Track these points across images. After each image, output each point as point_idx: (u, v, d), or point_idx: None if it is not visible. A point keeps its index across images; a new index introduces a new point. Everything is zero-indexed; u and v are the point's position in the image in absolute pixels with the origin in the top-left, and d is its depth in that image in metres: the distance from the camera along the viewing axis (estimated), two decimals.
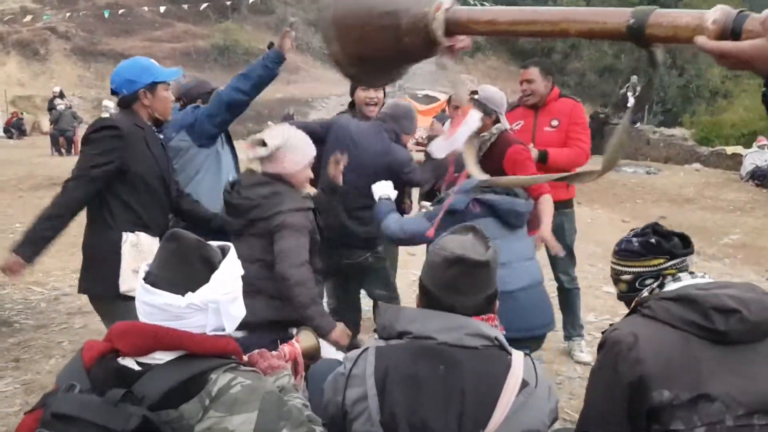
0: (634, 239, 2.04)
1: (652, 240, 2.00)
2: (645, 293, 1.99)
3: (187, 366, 1.48)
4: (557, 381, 4.08)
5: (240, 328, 2.89)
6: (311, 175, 3.05)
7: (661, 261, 1.99)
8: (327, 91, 28.79)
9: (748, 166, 14.67)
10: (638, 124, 19.40)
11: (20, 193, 11.93)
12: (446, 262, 1.81)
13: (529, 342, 3.20)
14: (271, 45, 3.53)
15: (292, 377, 1.93)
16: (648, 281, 2.01)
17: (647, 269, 2.01)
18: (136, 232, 2.90)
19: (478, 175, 1.59)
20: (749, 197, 13.30)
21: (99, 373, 1.48)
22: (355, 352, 1.83)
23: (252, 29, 32.22)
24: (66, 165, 13.78)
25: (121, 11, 28.17)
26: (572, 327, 4.51)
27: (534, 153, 3.98)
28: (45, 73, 28.22)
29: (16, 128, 22.71)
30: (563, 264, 4.41)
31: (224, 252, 1.65)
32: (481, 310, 1.84)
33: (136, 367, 1.49)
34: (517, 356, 1.80)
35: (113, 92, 3.00)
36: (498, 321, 1.91)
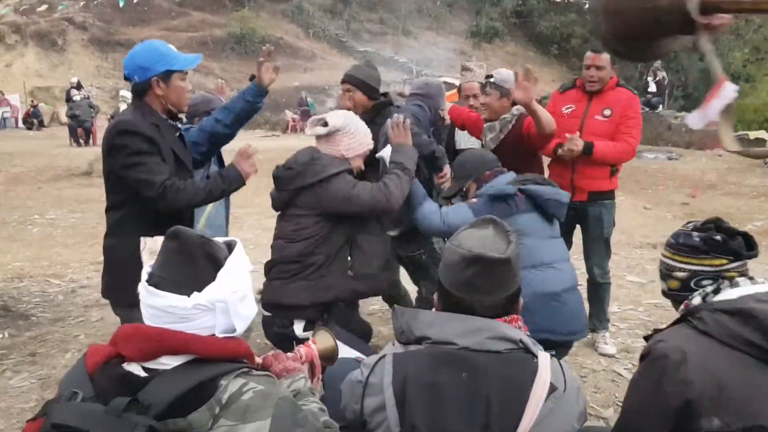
0: (695, 234, 1.84)
1: (717, 237, 1.80)
2: (697, 298, 1.81)
3: (196, 371, 1.39)
4: (582, 374, 3.98)
5: (279, 309, 3.02)
6: (362, 166, 3.07)
7: (723, 262, 1.80)
8: (339, 78, 28.67)
9: None
10: (660, 109, 19.12)
11: (39, 185, 12.00)
12: (464, 261, 1.68)
13: (563, 348, 3.12)
14: (252, 78, 3.25)
15: (309, 380, 1.84)
16: (704, 282, 1.82)
17: (706, 268, 1.81)
18: (155, 237, 2.65)
19: (730, 146, 1.62)
20: None
21: (103, 379, 1.41)
22: (372, 359, 1.73)
23: (268, 17, 32.12)
24: (85, 155, 13.93)
25: (136, 0, 28.16)
26: (598, 320, 4.38)
27: (579, 143, 3.88)
28: (63, 63, 28.33)
29: (35, 118, 22.88)
30: (598, 257, 4.29)
31: (230, 248, 1.56)
32: (503, 310, 1.72)
33: (142, 373, 1.41)
34: (544, 359, 1.68)
35: (126, 78, 2.80)
36: (522, 321, 1.79)
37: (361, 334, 2.95)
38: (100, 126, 18.78)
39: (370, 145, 3.03)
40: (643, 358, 1.74)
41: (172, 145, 2.80)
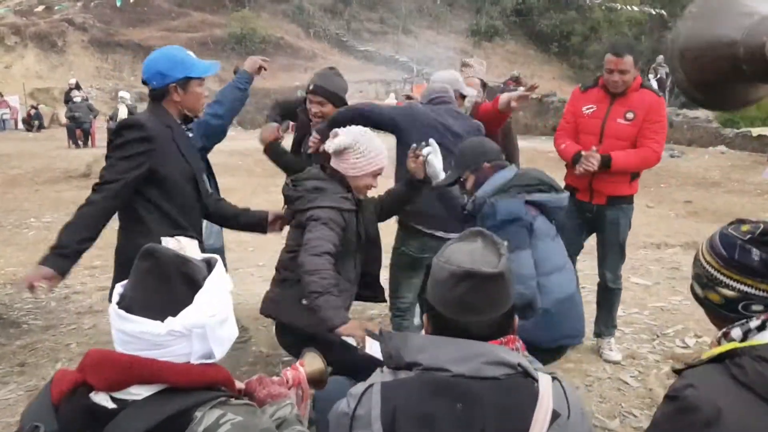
0: (755, 251, 1.51)
1: None
2: (737, 330, 1.51)
3: (169, 402, 1.28)
4: (587, 383, 3.87)
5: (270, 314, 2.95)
6: (375, 184, 3.02)
7: None
8: (345, 79, 28.55)
9: None
10: None
11: (37, 187, 11.90)
12: (454, 278, 1.55)
13: (560, 351, 2.99)
14: (236, 70, 3.48)
15: (295, 407, 1.72)
16: (755, 307, 1.52)
17: (762, 294, 1.51)
18: (176, 237, 2.62)
19: None
20: None
21: (68, 411, 1.30)
22: (359, 388, 1.59)
23: (269, 17, 31.99)
24: (83, 157, 13.83)
25: (134, 0, 28.04)
26: (605, 325, 4.26)
27: (595, 161, 3.77)
28: (63, 65, 28.23)
29: (37, 119, 22.80)
30: (612, 261, 4.17)
31: (210, 266, 1.45)
32: (498, 330, 1.59)
33: (111, 405, 1.30)
34: (545, 382, 1.54)
35: (144, 82, 2.81)
36: (519, 342, 1.66)
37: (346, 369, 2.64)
38: (99, 127, 18.70)
39: (382, 164, 2.96)
40: (668, 399, 1.50)
41: (183, 149, 2.82)
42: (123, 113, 18.45)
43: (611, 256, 4.15)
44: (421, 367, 1.53)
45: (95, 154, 14.47)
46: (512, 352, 1.58)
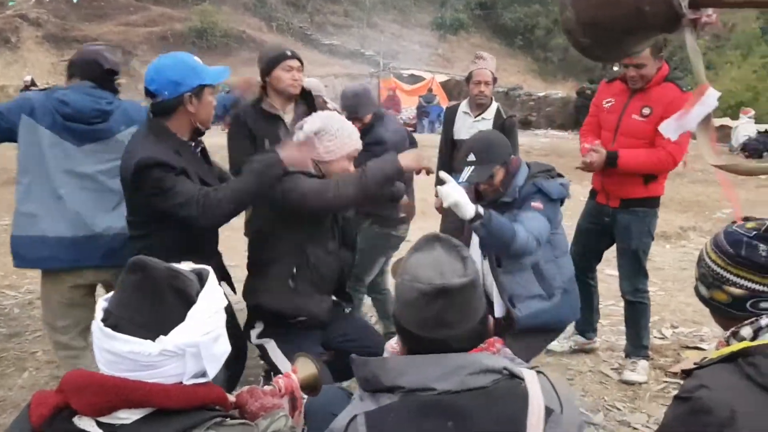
0: (762, 247, 1.49)
1: None
2: (747, 329, 1.49)
3: (160, 426, 1.19)
4: (568, 377, 3.85)
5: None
6: (350, 168, 2.82)
7: None
8: (309, 72, 28.16)
9: (740, 138, 14.57)
10: None
11: None
12: (425, 297, 1.46)
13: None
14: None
15: (290, 418, 1.63)
16: (764, 305, 1.50)
17: None
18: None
19: (711, 159, 1.43)
20: None
21: None
22: (341, 422, 1.46)
23: (230, 10, 31.50)
24: None
25: None
26: (632, 345, 3.95)
27: (596, 155, 3.58)
28: (18, 61, 27.44)
29: None
30: (626, 272, 3.88)
31: (202, 280, 1.35)
32: (478, 337, 1.52)
33: (96, 430, 1.20)
34: (531, 379, 1.47)
35: (151, 93, 2.51)
36: (500, 343, 1.58)
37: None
38: None
39: (356, 145, 2.82)
40: (679, 400, 1.46)
41: (196, 169, 2.56)
42: None
43: (625, 265, 3.87)
44: (404, 390, 1.44)
45: None
46: (494, 356, 1.52)
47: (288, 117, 3.40)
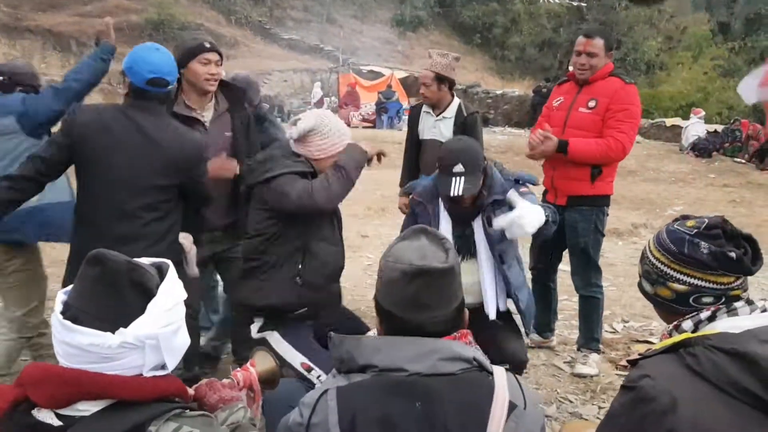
0: (704, 245, 1.54)
1: (732, 254, 1.52)
2: (688, 322, 1.56)
3: (120, 418, 1.21)
4: None
5: (238, 306, 2.94)
6: None
7: (731, 279, 1.55)
8: (268, 67, 27.98)
9: (690, 137, 14.95)
10: None
11: None
12: (406, 277, 1.54)
13: None
14: (97, 42, 3.43)
15: (249, 410, 1.66)
16: (706, 299, 1.57)
17: (712, 285, 1.55)
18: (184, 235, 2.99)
19: None
20: (690, 168, 13.56)
21: (10, 430, 1.20)
22: (312, 396, 1.53)
23: (187, 3, 31.02)
24: None
25: None
26: (583, 337, 4.05)
27: (553, 140, 3.63)
28: None
29: None
30: (576, 267, 3.97)
31: (162, 273, 1.36)
32: (453, 325, 1.59)
33: (56, 422, 1.21)
34: (499, 374, 1.55)
35: (163, 84, 2.70)
36: (471, 336, 1.66)
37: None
38: None
39: (347, 142, 2.86)
40: (626, 389, 1.52)
41: None
42: None
43: (575, 262, 3.97)
44: (377, 369, 1.50)
45: None
46: (467, 346, 1.58)
47: (207, 115, 3.29)
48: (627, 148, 3.65)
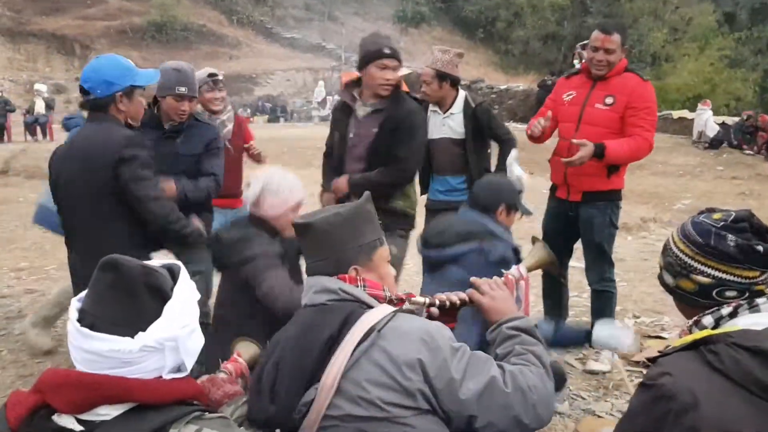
0: (730, 237, 1.52)
1: (759, 248, 1.49)
2: (708, 318, 1.55)
3: (142, 421, 1.20)
4: None
5: None
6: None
7: (757, 274, 1.52)
8: (271, 67, 28.09)
9: (709, 130, 14.83)
10: None
11: None
12: (296, 228, 1.85)
13: None
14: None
15: None
16: (729, 293, 1.54)
17: (736, 279, 1.52)
18: (161, 251, 2.85)
19: None
20: (697, 161, 13.52)
21: None
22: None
23: (190, 4, 31.11)
24: (0, 153, 13.11)
25: None
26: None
27: (588, 146, 3.46)
28: None
29: None
30: (590, 263, 3.91)
31: (173, 274, 1.36)
32: (334, 269, 1.79)
33: (78, 427, 1.20)
34: (381, 310, 1.69)
35: (84, 91, 2.77)
36: (366, 282, 1.80)
37: None
38: (15, 122, 17.82)
39: (298, 197, 2.89)
40: (645, 386, 1.49)
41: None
42: (40, 107, 17.73)
43: (590, 257, 3.90)
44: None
45: (12, 149, 13.78)
46: (341, 282, 1.76)
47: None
48: (652, 144, 3.65)
